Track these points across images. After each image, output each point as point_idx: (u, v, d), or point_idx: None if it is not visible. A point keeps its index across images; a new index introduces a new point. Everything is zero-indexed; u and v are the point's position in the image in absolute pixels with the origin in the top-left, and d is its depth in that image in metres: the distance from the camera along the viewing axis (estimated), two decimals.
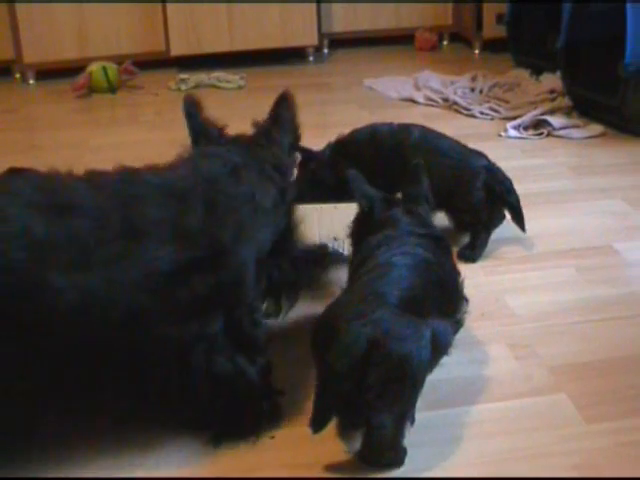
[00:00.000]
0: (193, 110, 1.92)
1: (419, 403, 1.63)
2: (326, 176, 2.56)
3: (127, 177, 1.64)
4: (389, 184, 2.20)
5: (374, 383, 1.50)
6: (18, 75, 4.88)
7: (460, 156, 2.48)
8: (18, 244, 1.46)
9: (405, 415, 1.57)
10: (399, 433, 1.56)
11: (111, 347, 1.55)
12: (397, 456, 1.58)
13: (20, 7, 4.64)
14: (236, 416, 1.70)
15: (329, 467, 1.60)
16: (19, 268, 1.45)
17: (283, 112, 1.97)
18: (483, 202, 2.42)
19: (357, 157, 2.54)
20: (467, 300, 1.89)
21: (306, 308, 2.08)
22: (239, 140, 1.90)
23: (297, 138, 2.02)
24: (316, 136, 2.59)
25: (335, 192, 2.41)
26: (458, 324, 1.83)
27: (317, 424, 1.54)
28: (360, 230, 1.97)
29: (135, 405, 1.65)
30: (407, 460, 1.59)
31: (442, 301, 1.77)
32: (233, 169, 1.72)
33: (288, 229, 1.93)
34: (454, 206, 2.44)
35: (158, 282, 1.53)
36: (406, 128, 2.58)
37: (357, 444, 1.58)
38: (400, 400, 1.54)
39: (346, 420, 1.59)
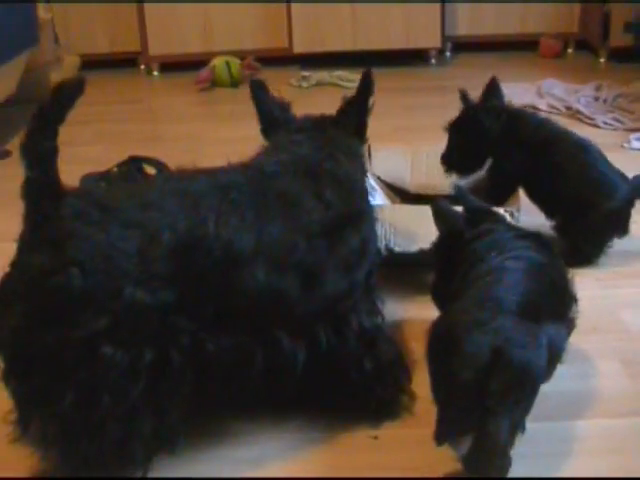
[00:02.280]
0: (261, 94, 1.96)
1: None
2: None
3: (255, 162, 1.75)
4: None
5: (496, 391, 1.49)
6: (143, 67, 4.98)
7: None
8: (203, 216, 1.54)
9: (519, 423, 1.55)
10: (511, 441, 1.54)
11: (295, 314, 1.63)
12: (504, 465, 1.54)
13: (148, 1, 4.73)
14: (377, 391, 1.73)
15: (436, 472, 1.60)
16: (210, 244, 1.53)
17: (365, 95, 1.95)
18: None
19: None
20: (577, 300, 1.84)
21: (400, 309, 2.11)
22: (310, 126, 1.92)
23: (363, 125, 1.98)
24: (435, 138, 2.58)
25: None
26: (571, 326, 1.80)
27: (444, 436, 1.54)
28: (449, 246, 1.96)
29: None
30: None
31: (556, 303, 1.74)
32: (330, 154, 1.79)
33: None
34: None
35: (320, 243, 1.64)
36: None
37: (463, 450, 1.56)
38: (518, 407, 1.53)
39: (459, 427, 1.58)
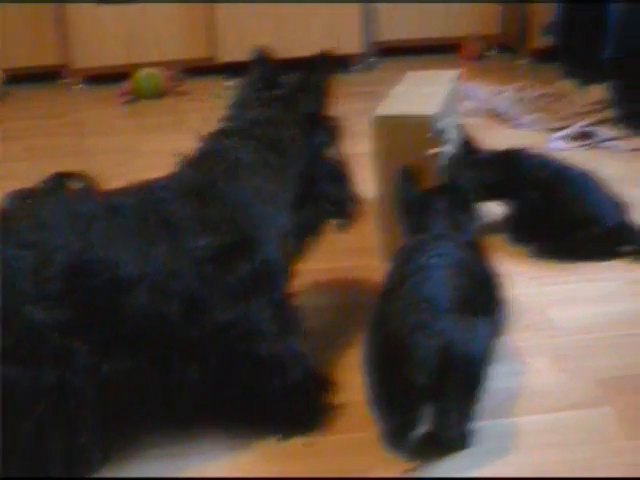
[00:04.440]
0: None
1: None
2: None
3: (146, 185, 1.72)
4: None
5: (450, 390, 1.56)
6: (66, 80, 4.93)
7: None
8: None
9: (473, 409, 1.63)
10: (467, 427, 1.62)
11: (176, 340, 1.61)
12: (465, 443, 1.64)
13: (69, 13, 4.69)
14: (289, 408, 1.73)
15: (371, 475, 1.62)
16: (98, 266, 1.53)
17: (313, 76, 1.93)
18: None
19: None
20: (507, 302, 1.88)
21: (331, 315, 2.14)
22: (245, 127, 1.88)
23: (322, 106, 1.94)
24: (359, 144, 2.59)
25: None
26: (500, 324, 1.83)
27: (400, 439, 1.61)
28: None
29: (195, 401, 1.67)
30: (448, 470, 1.59)
31: (484, 300, 1.77)
32: (229, 169, 1.75)
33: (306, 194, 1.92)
34: None
35: (206, 269, 1.61)
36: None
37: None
38: (471, 400, 1.61)
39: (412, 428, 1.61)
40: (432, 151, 2.18)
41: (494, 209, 2.62)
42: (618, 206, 2.51)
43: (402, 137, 2.22)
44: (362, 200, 2.06)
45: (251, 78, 1.94)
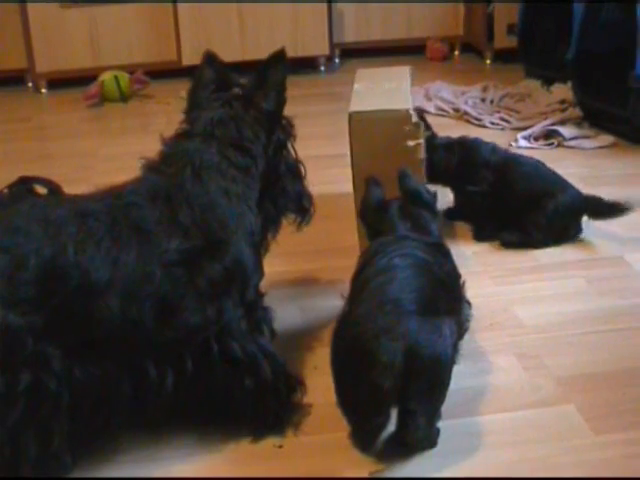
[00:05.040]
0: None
1: None
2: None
3: (114, 189, 1.72)
4: None
5: (416, 392, 1.58)
6: (30, 84, 4.91)
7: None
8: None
9: (438, 410, 1.65)
10: (434, 427, 1.66)
11: (148, 342, 1.62)
12: (431, 442, 1.67)
13: (33, 17, 4.66)
14: (261, 407, 1.73)
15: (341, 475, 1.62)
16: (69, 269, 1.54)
17: (270, 75, 1.93)
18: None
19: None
20: (470, 303, 1.90)
21: (302, 315, 2.14)
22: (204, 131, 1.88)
23: (281, 104, 1.94)
24: (327, 145, 2.59)
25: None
26: (463, 326, 1.84)
27: (370, 443, 1.62)
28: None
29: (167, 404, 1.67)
30: (415, 471, 1.60)
31: (447, 300, 1.78)
32: (194, 171, 1.75)
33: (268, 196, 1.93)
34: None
35: (177, 272, 1.62)
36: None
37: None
38: (437, 400, 1.63)
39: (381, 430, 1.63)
40: (412, 143, 2.22)
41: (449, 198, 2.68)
42: (572, 186, 2.58)
43: (380, 132, 2.26)
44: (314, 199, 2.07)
45: (202, 80, 1.93)
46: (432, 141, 2.63)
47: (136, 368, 1.61)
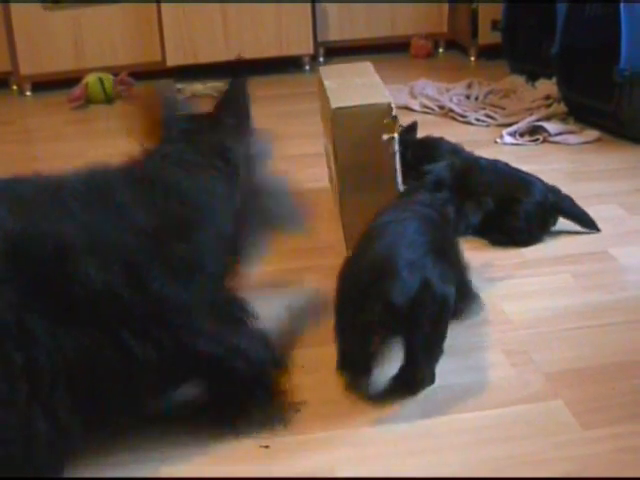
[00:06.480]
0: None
1: (415, 410, 1.66)
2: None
3: (96, 168, 1.77)
4: None
5: (422, 320, 1.70)
6: (15, 87, 4.89)
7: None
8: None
9: (440, 350, 1.79)
10: (433, 366, 1.80)
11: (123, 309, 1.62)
12: (427, 382, 1.80)
13: (16, 19, 4.64)
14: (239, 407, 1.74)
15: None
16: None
17: (235, 96, 2.03)
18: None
19: None
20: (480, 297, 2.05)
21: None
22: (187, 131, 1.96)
23: (247, 120, 2.04)
24: (311, 144, 2.59)
25: None
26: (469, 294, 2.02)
27: (361, 370, 1.76)
28: None
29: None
30: (404, 468, 1.60)
31: (453, 256, 1.96)
32: (177, 164, 1.82)
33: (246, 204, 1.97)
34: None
35: (147, 242, 1.66)
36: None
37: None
38: (440, 338, 1.78)
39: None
40: (386, 136, 2.27)
41: None
42: (536, 182, 2.59)
43: (362, 126, 2.31)
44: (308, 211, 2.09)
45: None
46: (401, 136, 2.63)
47: (120, 340, 1.60)
